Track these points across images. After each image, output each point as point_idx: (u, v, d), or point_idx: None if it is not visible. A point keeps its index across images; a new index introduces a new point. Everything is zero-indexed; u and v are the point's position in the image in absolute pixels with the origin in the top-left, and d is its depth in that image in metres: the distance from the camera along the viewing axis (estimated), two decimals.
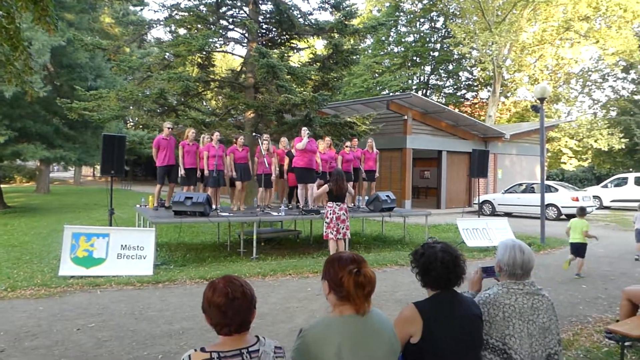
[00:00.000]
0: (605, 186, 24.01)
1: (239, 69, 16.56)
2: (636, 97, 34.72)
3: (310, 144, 10.42)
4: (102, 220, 13.64)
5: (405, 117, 20.16)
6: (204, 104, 22.47)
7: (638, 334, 3.98)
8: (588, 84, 37.41)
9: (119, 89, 14.55)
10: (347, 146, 11.96)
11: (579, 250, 8.42)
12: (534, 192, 18.70)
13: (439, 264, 2.45)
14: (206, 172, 10.25)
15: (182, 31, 15.89)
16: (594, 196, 21.68)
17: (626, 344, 4.34)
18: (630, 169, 32.69)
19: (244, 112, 14.93)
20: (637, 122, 31.75)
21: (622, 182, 23.43)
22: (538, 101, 12.03)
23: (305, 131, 10.43)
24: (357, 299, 2.06)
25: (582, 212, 8.77)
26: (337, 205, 8.35)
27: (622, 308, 4.93)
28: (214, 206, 10.07)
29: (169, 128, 10.40)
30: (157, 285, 7.19)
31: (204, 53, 14.65)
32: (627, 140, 31.40)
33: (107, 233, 8.05)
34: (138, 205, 11.68)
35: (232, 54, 20.28)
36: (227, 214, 10.04)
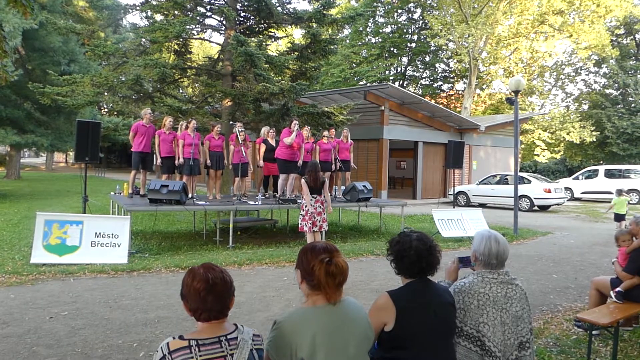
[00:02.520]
0: (577, 178, 24.53)
1: (216, 57, 16.35)
2: (607, 91, 35.49)
3: (298, 137, 10.41)
4: (75, 207, 13.39)
5: (382, 108, 20.25)
6: (181, 91, 22.16)
7: (605, 322, 4.09)
8: (561, 77, 38.14)
9: (93, 74, 14.24)
10: (324, 136, 11.96)
11: (621, 218, 12.18)
12: (508, 184, 19.00)
13: (413, 252, 2.49)
14: (181, 160, 10.13)
15: (158, 17, 15.61)
16: (565, 188, 22.09)
17: (594, 332, 4.46)
18: (601, 162, 33.52)
19: (221, 101, 14.78)
20: (608, 115, 32.45)
21: (592, 175, 23.97)
22: (512, 94, 12.19)
23: (295, 124, 10.39)
24: (327, 288, 2.07)
25: (620, 192, 12.68)
26: (312, 197, 8.34)
27: (591, 297, 5.08)
28: (190, 194, 9.98)
29: (149, 115, 10.24)
30: (132, 273, 7.11)
31: (181, 40, 14.42)
32: (598, 133, 32.13)
33: (81, 220, 7.91)
34: (113, 193, 11.50)
35: (210, 41, 20.01)
36: (203, 202, 9.95)
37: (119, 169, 47.16)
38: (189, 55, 15.41)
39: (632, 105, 32.73)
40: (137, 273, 7.13)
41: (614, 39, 33.75)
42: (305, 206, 8.31)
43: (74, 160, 10.44)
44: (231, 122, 12.46)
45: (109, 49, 13.42)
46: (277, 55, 14.69)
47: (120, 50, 13.70)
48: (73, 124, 9.71)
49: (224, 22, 14.60)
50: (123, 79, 14.23)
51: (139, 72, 12.85)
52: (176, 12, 14.42)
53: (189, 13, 14.21)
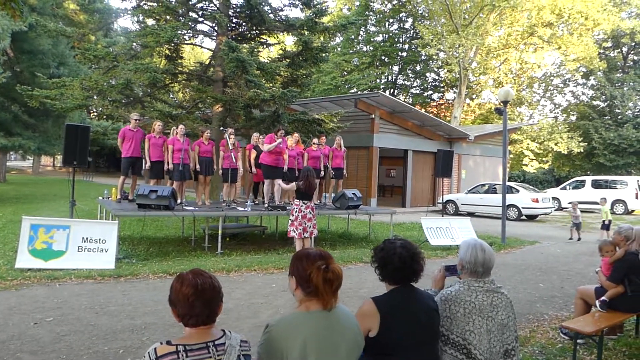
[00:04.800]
0: (564, 188, 24.79)
1: (207, 62, 16.34)
2: (595, 103, 35.96)
3: (282, 143, 10.49)
4: (63, 211, 13.27)
5: (373, 116, 20.34)
6: (171, 96, 22.11)
7: (590, 330, 4.14)
8: (550, 88, 38.59)
9: (83, 78, 14.16)
10: (314, 143, 11.99)
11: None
12: (496, 193, 19.15)
13: (397, 259, 2.52)
14: (171, 165, 10.10)
15: (150, 22, 15.57)
16: (553, 198, 22.34)
17: (579, 340, 4.51)
18: (588, 172, 33.88)
19: (211, 106, 14.75)
20: (596, 127, 32.90)
21: (579, 185, 24.23)
22: (502, 104, 12.32)
23: (281, 134, 10.47)
24: (325, 294, 2.09)
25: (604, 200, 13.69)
26: (304, 203, 8.35)
27: (576, 306, 5.14)
28: (179, 200, 9.94)
29: (135, 119, 10.20)
30: (118, 279, 7.06)
31: (172, 45, 14.39)
32: (586, 144, 32.50)
33: (68, 225, 7.85)
34: (101, 198, 11.42)
35: (201, 46, 19.98)
36: (192, 208, 9.92)
37: (107, 174, 46.80)
38: (180, 61, 15.38)
39: (619, 117, 33.22)
40: (124, 279, 7.08)
41: (602, 51, 34.24)
42: (296, 212, 8.32)
43: (62, 164, 10.36)
44: (221, 128, 12.44)
45: (99, 53, 13.37)
46: (268, 61, 14.72)
47: (110, 54, 13.65)
48: (61, 128, 9.65)
49: (216, 28, 14.61)
50: (113, 83, 14.17)
51: (129, 76, 12.82)
52: (168, 17, 14.40)
53: (181, 18, 14.20)
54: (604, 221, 13.25)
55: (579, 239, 13.21)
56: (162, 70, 13.56)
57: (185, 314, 1.93)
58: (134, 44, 14.10)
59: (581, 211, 14.74)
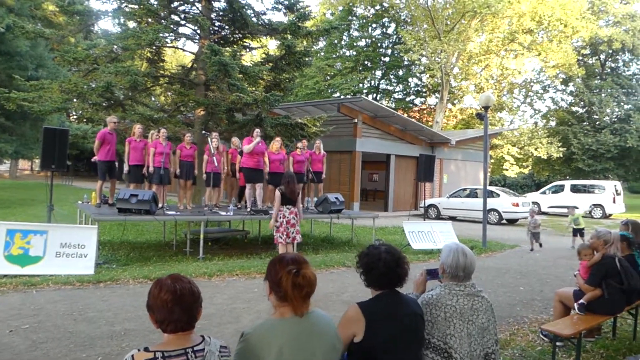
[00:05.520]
0: (544, 193, 25.17)
1: (190, 66, 16.26)
2: (574, 109, 36.54)
3: (260, 145, 10.43)
4: (40, 216, 13.04)
5: (356, 121, 20.43)
6: (153, 99, 21.92)
7: (568, 333, 4.20)
8: (530, 94, 39.08)
9: (62, 80, 13.96)
10: (298, 147, 11.99)
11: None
12: (477, 197, 19.34)
13: (382, 264, 2.53)
14: (151, 168, 10.00)
15: (131, 24, 15.45)
16: (533, 202, 22.62)
17: (558, 343, 4.57)
18: (567, 177, 34.38)
19: (193, 110, 14.68)
20: (574, 132, 33.42)
21: (559, 189, 24.64)
22: (483, 109, 12.46)
23: (257, 134, 10.40)
24: (294, 299, 2.08)
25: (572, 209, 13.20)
26: (287, 208, 8.33)
27: (555, 309, 5.21)
28: (160, 204, 9.85)
29: (114, 122, 10.09)
30: (98, 284, 6.95)
31: (154, 48, 14.30)
32: (565, 149, 32.97)
33: (45, 230, 7.72)
34: (80, 202, 11.27)
35: (183, 50, 19.91)
36: (173, 212, 9.84)
37: (87, 178, 46.17)
38: (161, 64, 15.29)
39: (597, 122, 33.81)
40: (103, 284, 6.98)
41: (580, 58, 34.81)
42: (280, 217, 8.29)
43: (40, 168, 10.20)
44: (203, 132, 12.36)
45: (79, 55, 13.21)
46: (251, 65, 14.69)
47: (91, 56, 13.49)
48: (39, 131, 9.50)
49: (198, 31, 14.55)
50: (93, 85, 13.99)
51: (109, 79, 12.67)
52: (149, 19, 14.29)
53: (163, 21, 14.10)
54: (574, 229, 12.80)
55: (540, 246, 12.52)
56: (143, 73, 13.44)
57: (164, 320, 1.91)
58: (115, 46, 13.95)
59: (560, 215, 14.86)
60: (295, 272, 2.09)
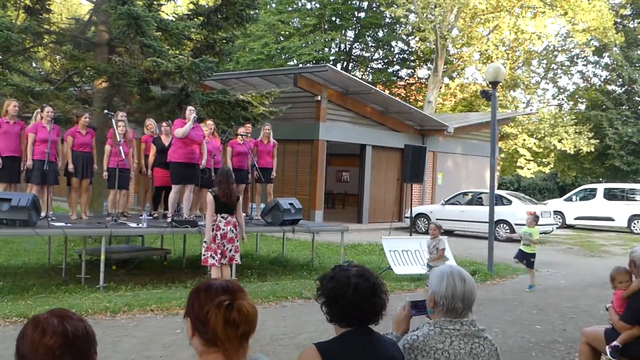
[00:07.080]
0: (570, 199, 25.65)
1: (86, 19, 16.01)
2: (610, 88, 36.91)
3: (195, 130, 10.34)
4: None
5: (319, 98, 20.46)
6: (34, 65, 21.48)
7: None
8: (553, 66, 39.61)
9: None
10: (239, 134, 11.95)
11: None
12: (482, 204, 19.62)
13: (351, 291, 2.49)
14: (30, 162, 9.78)
15: None
16: (555, 211, 22.91)
17: None
18: (600, 179, 34.82)
19: (92, 80, 14.45)
20: (610, 119, 33.47)
21: (589, 195, 25.00)
22: (490, 85, 12.67)
23: (191, 112, 10.25)
24: (227, 342, 1.97)
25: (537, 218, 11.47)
26: (222, 218, 8.28)
27: (581, 354, 5.33)
28: (43, 213, 9.66)
29: None
30: None
31: None
32: (597, 141, 33.11)
33: None
34: None
35: None
36: (63, 224, 9.68)
37: None
38: (46, 15, 14.96)
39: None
40: None
41: (619, 20, 35.20)
42: (213, 230, 8.25)
43: None
44: (106, 111, 12.16)
45: None
46: (174, 20, 14.56)
47: None
48: None
49: None
50: None
51: None
52: None
53: None
54: (520, 250, 11.06)
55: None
56: (19, 28, 13.16)
57: None
58: None
59: (592, 229, 14.89)
60: (227, 304, 1.98)
